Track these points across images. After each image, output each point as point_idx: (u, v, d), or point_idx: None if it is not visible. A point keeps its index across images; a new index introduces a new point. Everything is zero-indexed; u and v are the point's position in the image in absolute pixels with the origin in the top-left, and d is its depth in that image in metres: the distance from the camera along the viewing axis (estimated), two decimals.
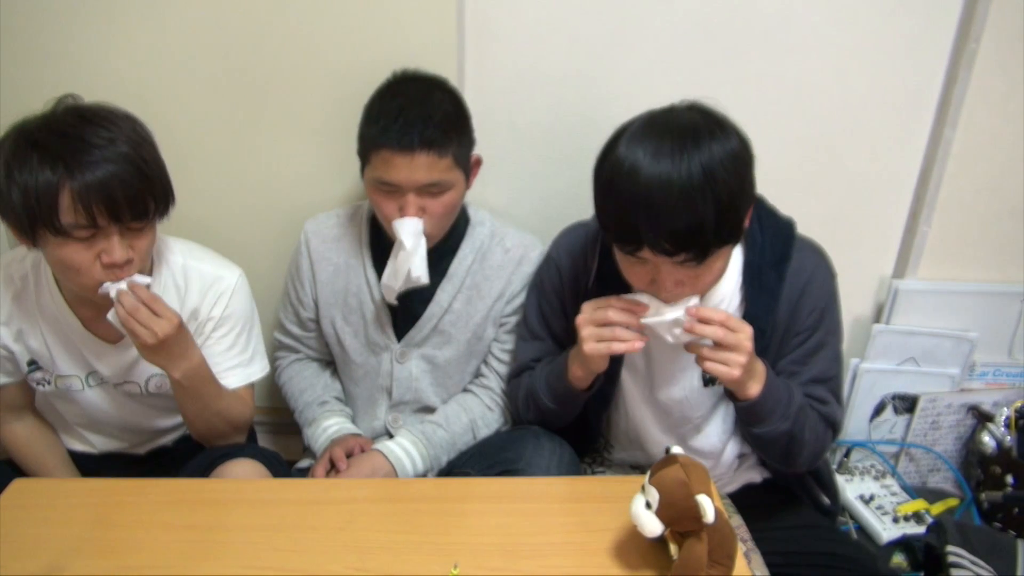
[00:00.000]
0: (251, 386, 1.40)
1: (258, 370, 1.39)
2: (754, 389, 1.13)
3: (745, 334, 1.07)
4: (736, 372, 1.08)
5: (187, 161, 1.56)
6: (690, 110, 1.07)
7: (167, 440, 1.45)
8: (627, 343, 1.11)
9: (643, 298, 1.12)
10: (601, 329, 1.12)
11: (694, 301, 1.10)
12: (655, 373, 1.29)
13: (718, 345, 1.08)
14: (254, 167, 1.59)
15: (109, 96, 1.48)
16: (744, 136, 1.07)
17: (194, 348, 1.24)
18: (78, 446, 1.42)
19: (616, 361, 1.27)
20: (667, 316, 1.09)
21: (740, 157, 1.04)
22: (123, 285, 1.15)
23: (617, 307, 1.11)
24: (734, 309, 1.23)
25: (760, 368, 1.14)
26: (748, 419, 1.19)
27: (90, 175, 1.07)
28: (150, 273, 1.28)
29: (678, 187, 0.99)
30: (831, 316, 1.23)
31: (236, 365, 1.36)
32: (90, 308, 1.24)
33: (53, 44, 1.47)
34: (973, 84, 1.55)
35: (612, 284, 1.23)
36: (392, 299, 1.37)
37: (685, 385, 1.27)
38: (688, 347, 1.12)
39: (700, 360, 1.10)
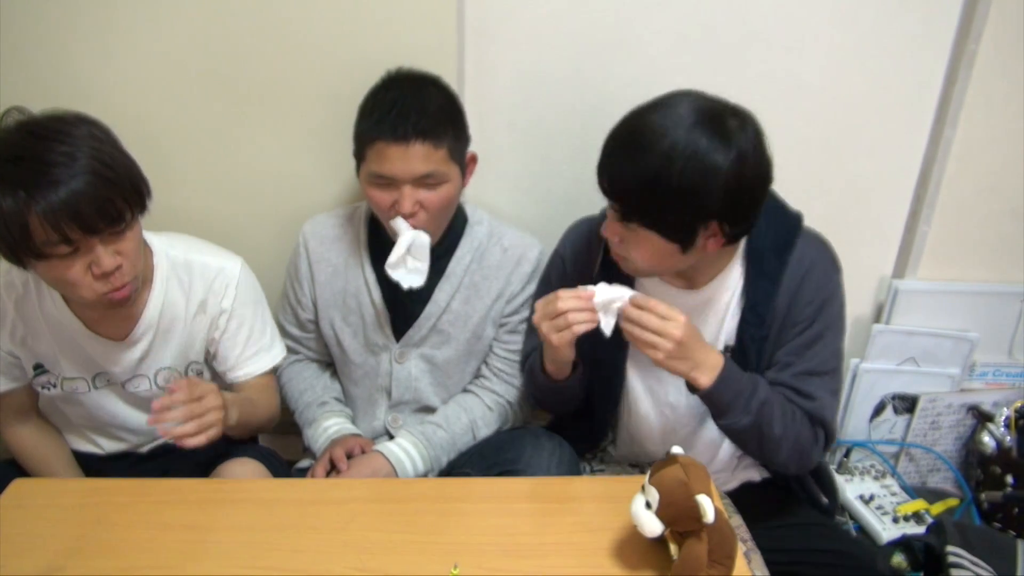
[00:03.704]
0: (274, 370, 1.41)
1: (279, 352, 1.42)
2: (703, 379, 1.15)
3: (674, 323, 1.10)
4: (659, 355, 1.11)
5: (185, 164, 1.57)
6: (721, 106, 1.10)
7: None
8: (584, 324, 1.14)
9: (590, 288, 1.16)
10: (556, 320, 1.14)
11: (639, 293, 1.14)
12: (660, 368, 1.29)
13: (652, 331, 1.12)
14: (253, 169, 1.58)
15: (107, 100, 1.49)
16: (754, 169, 1.08)
17: (232, 407, 1.20)
18: (83, 446, 1.42)
19: (621, 357, 1.30)
20: (612, 295, 1.14)
21: (712, 174, 1.05)
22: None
23: (565, 296, 1.14)
24: (737, 296, 1.24)
25: (712, 361, 1.15)
26: (711, 411, 1.21)
27: (53, 196, 1.03)
28: (151, 271, 1.27)
29: (637, 146, 1.07)
30: (831, 309, 1.23)
31: (258, 351, 1.37)
32: (93, 309, 1.24)
33: (50, 45, 1.47)
34: (973, 84, 1.55)
35: (616, 274, 1.23)
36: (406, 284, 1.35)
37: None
38: (623, 329, 1.14)
39: (631, 339, 1.13)
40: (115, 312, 1.23)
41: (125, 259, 1.14)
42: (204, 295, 1.31)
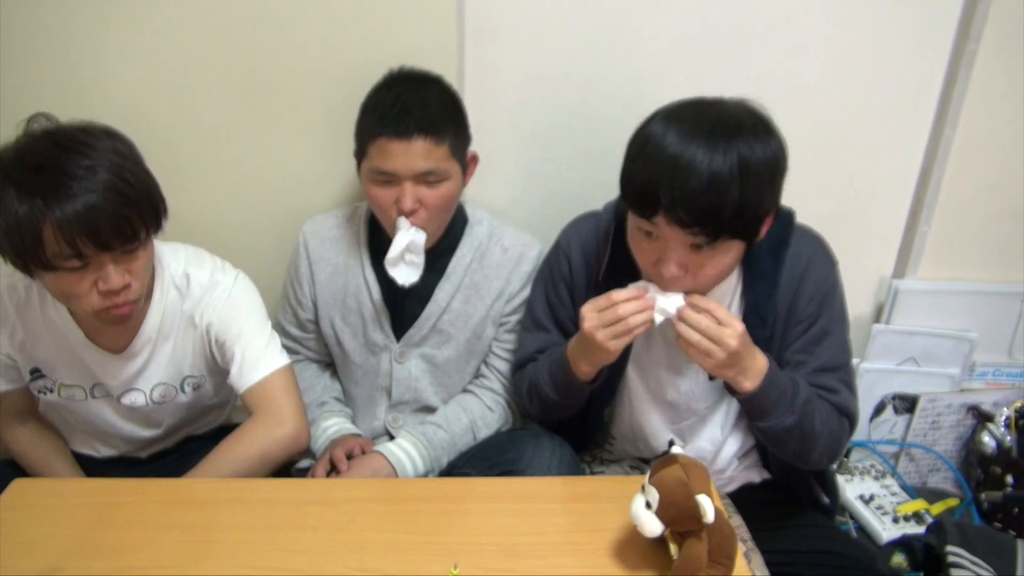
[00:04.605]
0: (283, 371, 1.31)
1: (275, 361, 1.31)
2: (747, 384, 1.13)
3: (732, 330, 1.08)
4: (710, 362, 1.09)
5: (185, 164, 1.56)
6: (738, 105, 1.09)
7: (168, 444, 1.45)
8: (642, 324, 1.12)
9: (642, 284, 1.14)
10: (614, 327, 1.12)
11: (696, 295, 1.12)
12: (662, 366, 1.29)
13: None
14: (253, 169, 1.58)
15: (107, 99, 1.49)
16: (785, 145, 1.09)
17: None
18: (82, 449, 1.41)
19: (622, 354, 1.27)
20: (668, 298, 1.12)
21: (777, 162, 1.07)
22: None
23: (623, 298, 1.12)
24: (737, 299, 1.23)
25: (757, 366, 1.14)
26: (751, 413, 1.20)
27: (70, 208, 1.02)
28: (152, 283, 1.26)
29: (708, 164, 1.01)
30: (833, 303, 1.23)
31: (256, 356, 1.30)
32: (94, 320, 1.23)
33: (50, 47, 1.47)
34: (973, 84, 1.55)
35: (623, 276, 1.23)
36: (403, 281, 1.33)
37: (691, 377, 1.28)
38: (676, 331, 1.12)
39: (682, 344, 1.11)
40: (115, 324, 1.22)
41: (134, 278, 1.14)
42: (193, 309, 1.29)
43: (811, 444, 1.19)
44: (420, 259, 1.33)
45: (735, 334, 1.08)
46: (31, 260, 1.06)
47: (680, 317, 1.10)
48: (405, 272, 1.33)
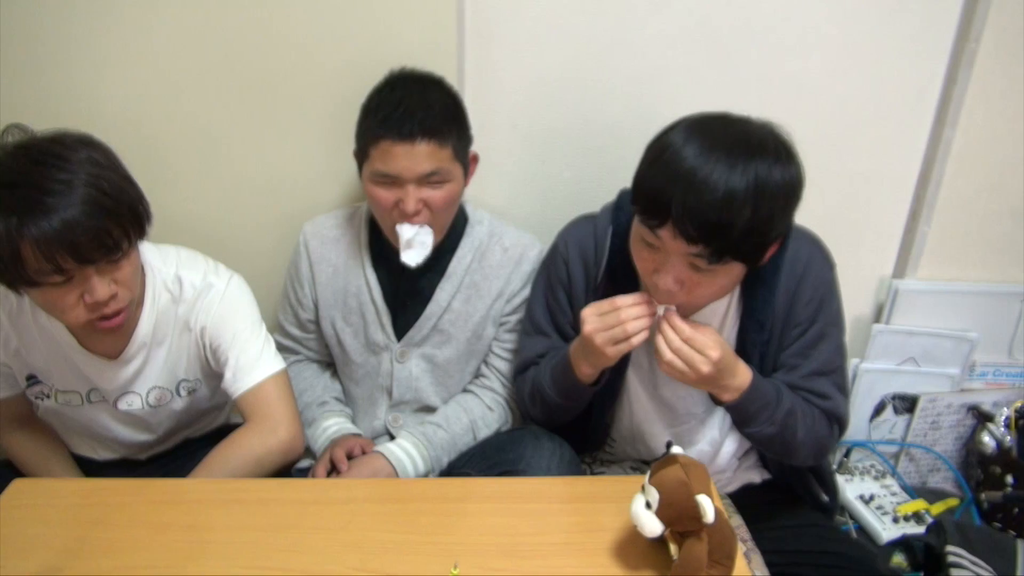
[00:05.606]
0: (277, 376, 1.30)
1: (270, 367, 1.30)
2: (726, 397, 1.15)
3: (704, 359, 1.08)
4: (681, 379, 1.11)
5: (186, 166, 1.56)
6: (763, 127, 1.08)
7: (166, 446, 1.45)
8: (641, 332, 1.12)
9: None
10: (614, 331, 1.12)
11: (673, 312, 1.13)
12: (658, 370, 1.29)
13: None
14: (253, 170, 1.58)
15: (106, 101, 1.49)
16: (803, 174, 1.08)
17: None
18: (81, 452, 1.41)
19: (623, 357, 1.27)
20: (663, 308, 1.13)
21: (794, 189, 1.06)
22: None
23: (627, 304, 1.12)
24: (734, 304, 1.23)
25: (737, 383, 1.14)
26: (734, 419, 1.22)
27: (46, 225, 1.00)
28: (143, 287, 1.25)
29: (725, 181, 1.00)
30: (830, 306, 1.23)
31: (251, 361, 1.30)
32: (86, 327, 1.21)
33: (50, 46, 1.47)
34: (973, 84, 1.55)
35: (621, 280, 1.23)
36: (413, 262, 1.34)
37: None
38: (656, 341, 1.13)
39: (659, 354, 1.12)
40: (108, 331, 1.21)
41: (121, 287, 1.13)
42: (188, 313, 1.29)
43: (793, 450, 1.22)
44: (429, 240, 1.32)
45: (707, 361, 1.09)
46: (13, 278, 1.05)
47: (660, 329, 1.11)
48: (414, 254, 1.32)
